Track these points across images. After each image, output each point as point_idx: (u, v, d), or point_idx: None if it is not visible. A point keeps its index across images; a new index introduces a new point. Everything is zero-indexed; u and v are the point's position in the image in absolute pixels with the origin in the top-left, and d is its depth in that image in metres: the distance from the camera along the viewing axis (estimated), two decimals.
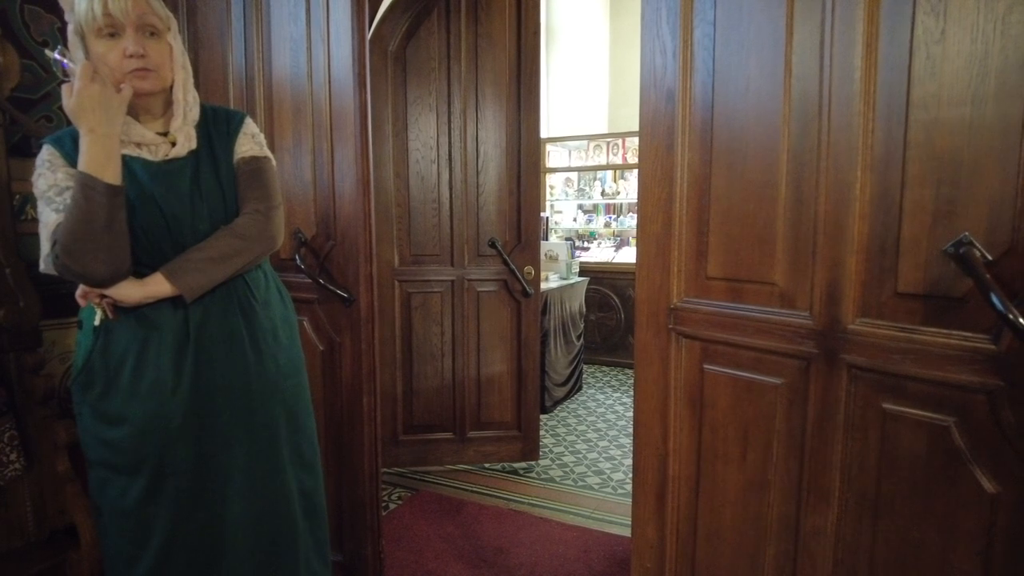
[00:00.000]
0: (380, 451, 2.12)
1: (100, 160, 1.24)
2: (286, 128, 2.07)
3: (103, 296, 1.32)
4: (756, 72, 1.29)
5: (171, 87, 1.38)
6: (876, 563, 1.19)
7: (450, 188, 3.21)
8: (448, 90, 3.16)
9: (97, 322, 1.35)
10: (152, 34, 1.32)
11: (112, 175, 1.25)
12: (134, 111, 1.35)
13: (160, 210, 1.35)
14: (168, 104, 1.40)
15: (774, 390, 1.30)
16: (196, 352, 1.37)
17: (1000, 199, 1.00)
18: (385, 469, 3.25)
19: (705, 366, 1.42)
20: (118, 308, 1.34)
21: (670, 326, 1.46)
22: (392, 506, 2.93)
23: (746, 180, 1.31)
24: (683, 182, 1.42)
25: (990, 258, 1.01)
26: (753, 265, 1.31)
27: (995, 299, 0.96)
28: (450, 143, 3.20)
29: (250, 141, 1.50)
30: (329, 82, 1.95)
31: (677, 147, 1.41)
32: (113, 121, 1.26)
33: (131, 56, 1.28)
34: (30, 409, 1.86)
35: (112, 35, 1.28)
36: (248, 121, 1.52)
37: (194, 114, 1.43)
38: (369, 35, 3.01)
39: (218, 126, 1.47)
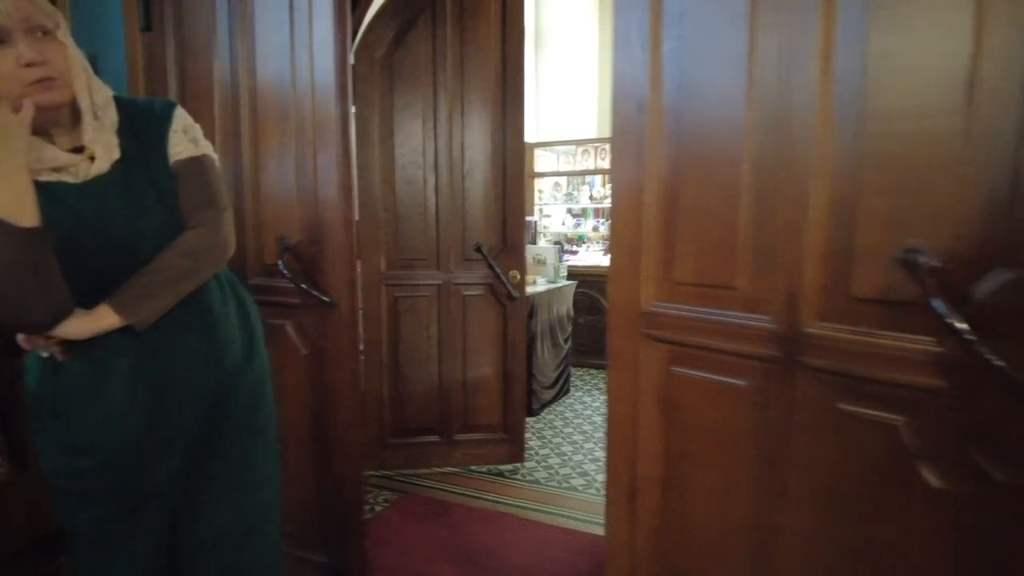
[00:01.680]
0: (364, 454, 2.16)
1: (8, 200, 1.07)
2: (271, 134, 2.10)
3: (48, 338, 1.21)
4: (721, 84, 1.33)
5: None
6: (834, 559, 1.23)
7: (436, 193, 3.25)
8: (434, 97, 3.21)
9: (45, 354, 1.26)
10: (44, 34, 1.14)
11: (28, 216, 1.08)
12: (42, 128, 1.17)
13: (96, 235, 1.21)
14: (77, 112, 1.21)
15: (739, 392, 1.34)
16: (152, 374, 1.28)
17: (946, 209, 1.05)
18: (373, 472, 3.28)
19: (673, 369, 1.46)
20: (68, 345, 1.23)
21: (641, 330, 1.50)
22: (379, 509, 2.96)
23: (712, 189, 1.36)
24: (653, 191, 1.46)
25: (937, 265, 1.05)
26: (718, 271, 1.36)
27: (936, 304, 1.00)
28: (436, 149, 3.24)
29: (183, 140, 1.33)
30: (312, 90, 1.99)
31: (647, 157, 1.46)
32: (16, 150, 1.09)
33: (29, 64, 1.10)
34: (17, 414, 1.88)
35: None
36: (177, 115, 1.34)
37: (111, 116, 1.25)
38: (356, 43, 3.07)
39: (144, 126, 1.30)
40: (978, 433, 1.03)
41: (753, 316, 1.31)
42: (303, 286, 2.02)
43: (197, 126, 1.39)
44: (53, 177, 1.19)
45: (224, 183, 1.44)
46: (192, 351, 1.34)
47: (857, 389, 1.17)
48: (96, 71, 1.29)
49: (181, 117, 1.35)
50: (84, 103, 1.20)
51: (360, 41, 3.12)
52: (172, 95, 2.26)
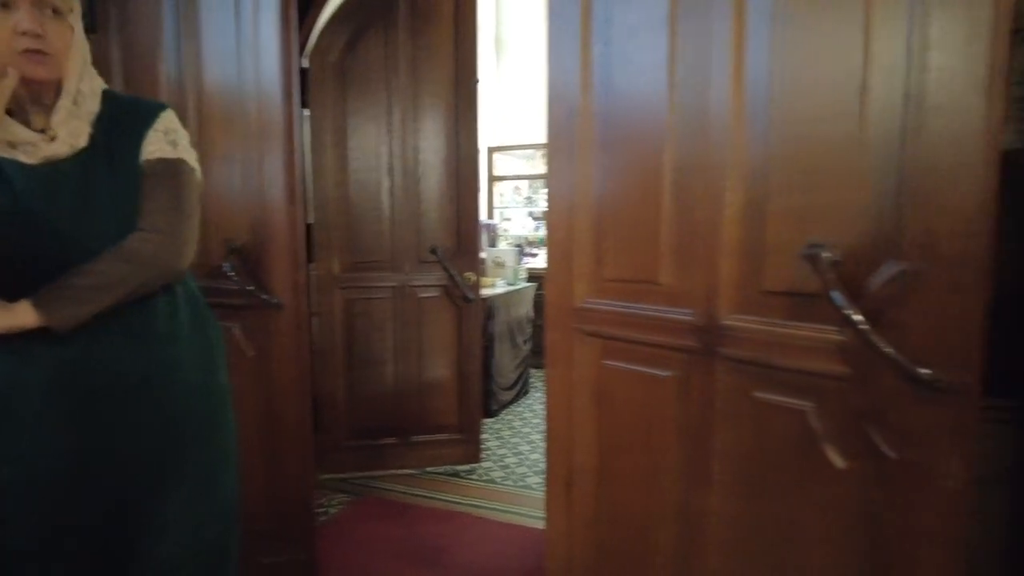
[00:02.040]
0: (313, 454, 2.17)
1: None
2: (218, 138, 2.11)
3: None
4: (644, 89, 1.40)
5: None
6: (753, 538, 1.30)
7: (391, 196, 3.28)
8: (388, 101, 3.23)
9: None
10: (55, 12, 1.12)
11: None
12: (21, 101, 1.14)
13: (33, 224, 1.14)
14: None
15: (664, 382, 1.41)
16: (72, 392, 1.18)
17: (844, 207, 1.13)
18: (329, 475, 3.27)
19: (605, 361, 1.52)
20: None
21: (574, 325, 1.56)
22: (333, 511, 2.96)
23: (637, 189, 1.42)
24: (584, 192, 1.52)
25: (837, 259, 1.13)
26: (643, 267, 1.42)
27: (835, 296, 1.08)
28: (391, 152, 3.26)
29: (161, 139, 1.25)
30: (258, 93, 2.01)
31: (578, 159, 1.52)
32: None
33: (24, 33, 1.08)
34: None
35: (3, 5, 1.08)
36: (165, 115, 1.28)
37: (91, 106, 1.20)
38: (310, 47, 3.09)
39: (125, 122, 1.24)
40: (874, 415, 1.11)
41: (675, 310, 1.37)
42: (249, 288, 2.02)
43: (184, 132, 1.32)
44: (7, 152, 1.14)
45: (197, 195, 1.32)
46: (124, 372, 1.22)
47: (770, 377, 1.24)
48: None
49: (167, 119, 1.28)
50: (68, 86, 1.16)
51: (313, 46, 3.13)
52: None
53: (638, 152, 1.42)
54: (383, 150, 3.26)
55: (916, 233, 1.03)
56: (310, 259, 3.11)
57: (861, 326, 1.05)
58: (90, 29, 2.25)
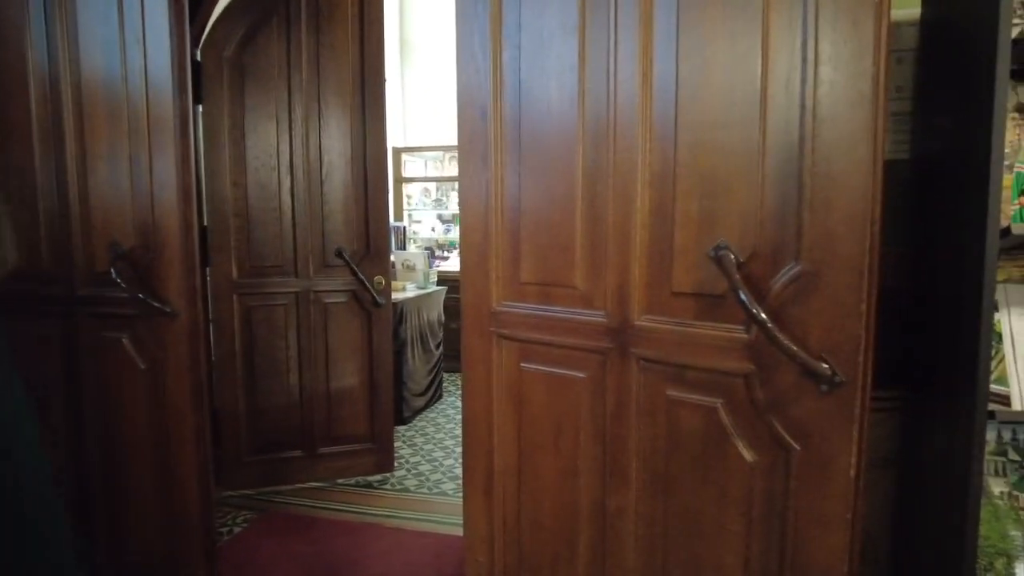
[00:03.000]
0: (212, 472, 2.03)
1: None
2: (100, 134, 1.94)
3: None
4: (557, 95, 1.41)
5: None
6: (668, 534, 1.33)
7: (292, 196, 3.14)
8: (289, 98, 3.10)
9: None
10: None
11: None
12: None
13: None
14: None
15: (579, 383, 1.42)
16: None
17: (748, 210, 1.18)
18: (230, 492, 3.09)
19: (522, 364, 1.52)
20: None
21: (491, 329, 1.54)
22: (236, 530, 2.79)
23: (551, 193, 1.43)
24: (498, 195, 1.51)
25: (742, 260, 1.18)
26: (558, 270, 1.43)
27: (741, 295, 1.13)
28: (292, 151, 3.12)
29: None
30: (146, 86, 1.86)
31: (492, 161, 1.51)
32: None
33: None
34: None
35: None
36: None
37: None
38: (202, 40, 2.90)
39: None
40: (778, 409, 1.16)
41: (589, 312, 1.39)
42: (140, 296, 1.87)
43: None
44: None
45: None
46: None
47: (681, 376, 1.28)
48: None
49: None
50: None
51: (206, 38, 2.95)
52: None
53: (551, 156, 1.42)
54: (284, 148, 3.11)
55: (814, 236, 1.10)
56: (205, 264, 2.92)
57: (767, 324, 1.11)
58: None
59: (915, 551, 1.54)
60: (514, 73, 1.46)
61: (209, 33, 2.95)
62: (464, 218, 1.57)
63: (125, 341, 1.97)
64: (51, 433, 2.08)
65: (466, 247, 1.57)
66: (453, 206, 6.38)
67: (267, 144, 3.08)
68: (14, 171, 2.02)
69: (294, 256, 3.15)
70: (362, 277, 3.20)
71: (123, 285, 1.87)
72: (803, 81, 1.09)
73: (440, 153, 6.26)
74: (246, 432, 3.16)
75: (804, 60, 1.08)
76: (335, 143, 3.18)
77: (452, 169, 6.22)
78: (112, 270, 1.88)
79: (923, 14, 1.57)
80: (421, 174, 6.40)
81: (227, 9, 2.98)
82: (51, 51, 1.93)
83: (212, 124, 2.97)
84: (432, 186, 6.43)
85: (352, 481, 3.32)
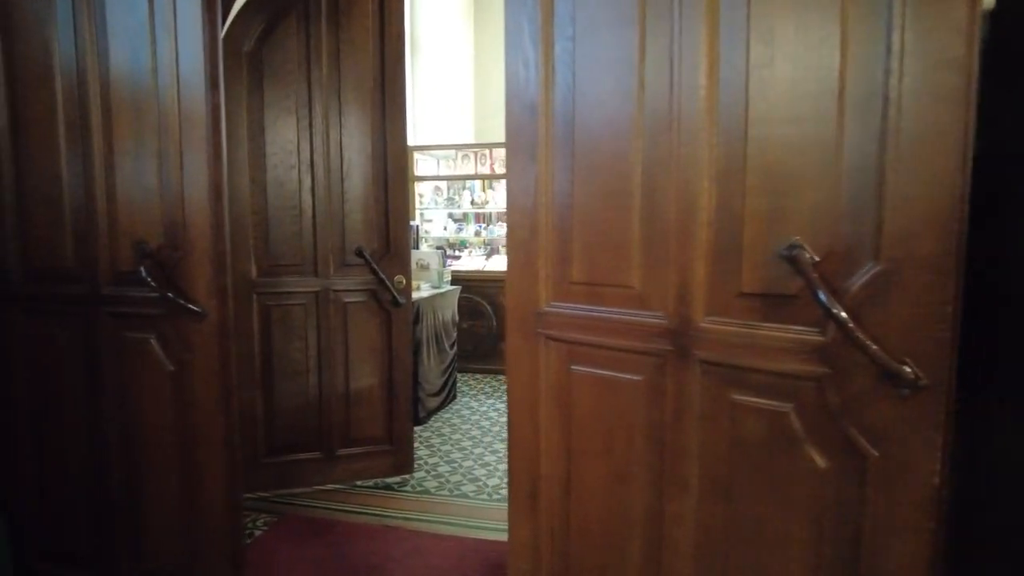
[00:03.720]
0: (240, 476, 1.98)
1: None
2: (126, 130, 1.89)
3: None
4: (612, 88, 1.36)
5: None
6: (730, 542, 1.29)
7: (312, 195, 3.09)
8: (309, 94, 3.05)
9: None
10: None
11: None
12: None
13: None
14: None
15: (634, 386, 1.37)
16: None
17: (821, 208, 1.13)
18: (247, 495, 3.04)
19: (571, 367, 1.47)
20: None
21: (538, 330, 1.50)
22: (256, 533, 2.75)
23: (604, 190, 1.38)
24: (547, 191, 1.46)
25: (816, 259, 1.13)
26: (612, 270, 1.38)
27: (820, 295, 1.08)
28: (312, 148, 3.08)
29: None
30: (177, 80, 1.81)
31: (540, 158, 1.46)
32: None
33: None
34: None
35: None
36: None
37: None
38: (222, 35, 2.85)
39: None
40: (852, 414, 1.12)
41: (646, 313, 1.35)
42: (170, 295, 1.82)
43: None
44: None
45: None
46: None
47: (746, 379, 1.23)
48: None
49: None
50: None
51: (224, 32, 2.89)
52: None
53: (605, 151, 1.38)
54: (304, 146, 3.06)
55: (895, 234, 1.05)
56: None
57: (847, 324, 1.06)
58: None
59: (978, 554, 1.49)
60: (566, 66, 1.42)
61: (228, 28, 2.89)
62: (510, 216, 1.52)
63: (153, 342, 1.91)
64: (71, 433, 2.03)
65: (512, 246, 1.53)
66: (465, 204, 6.33)
67: (286, 141, 3.04)
68: (37, 167, 1.97)
69: (313, 255, 3.10)
70: (382, 276, 3.15)
71: (152, 284, 1.82)
72: (886, 72, 1.04)
73: (452, 151, 6.21)
74: (263, 433, 3.11)
75: (888, 50, 1.03)
76: (354, 140, 3.13)
77: (464, 167, 6.17)
78: (141, 269, 1.83)
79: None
80: (432, 172, 6.35)
81: (246, 4, 2.92)
82: (78, 42, 1.87)
83: (231, 121, 2.91)
84: (443, 184, 6.38)
85: (371, 483, 3.27)
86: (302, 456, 3.19)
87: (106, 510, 2.03)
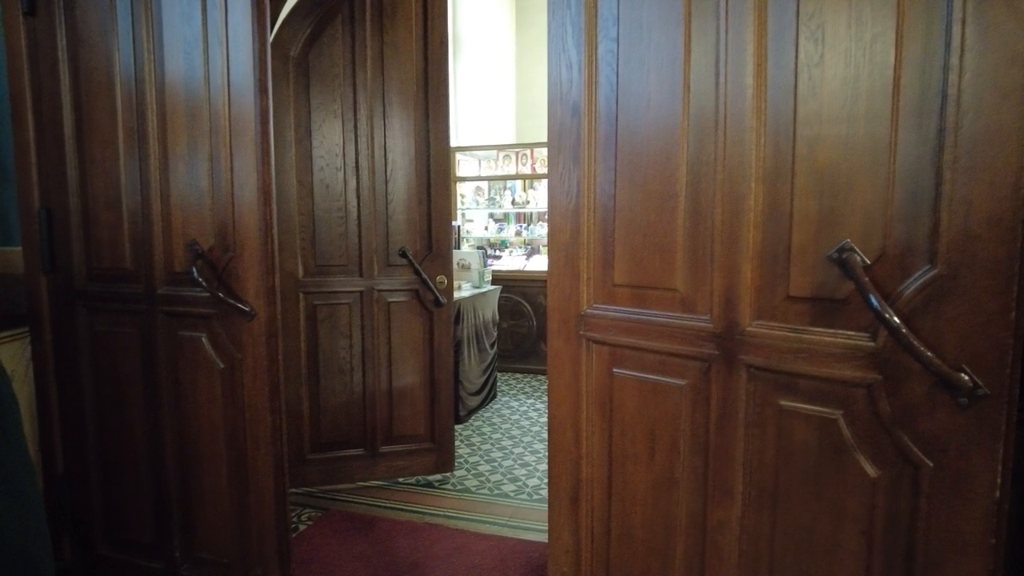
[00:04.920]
0: (286, 472, 2.03)
1: None
2: (180, 133, 1.95)
3: None
4: (657, 88, 1.34)
5: None
6: (776, 550, 1.26)
7: (357, 196, 3.15)
8: (354, 97, 3.10)
9: None
10: None
11: None
12: None
13: None
14: None
15: (678, 391, 1.36)
16: None
17: (873, 209, 1.10)
18: (293, 489, 3.12)
19: (614, 370, 1.46)
20: None
21: (580, 332, 1.49)
22: (301, 527, 2.81)
23: (648, 191, 1.37)
24: (590, 193, 1.46)
25: (868, 262, 1.10)
26: (656, 272, 1.37)
27: (873, 300, 1.05)
28: (357, 151, 3.13)
29: None
30: (228, 87, 1.86)
31: (583, 159, 1.45)
32: None
33: None
34: None
35: None
36: None
37: None
38: (270, 40, 2.92)
39: None
40: (905, 423, 1.08)
41: (691, 316, 1.33)
42: (220, 295, 1.88)
43: None
44: None
45: None
46: None
47: (794, 385, 1.20)
48: None
49: None
50: None
51: (273, 38, 2.97)
52: (64, 89, 2.06)
53: (650, 153, 1.36)
54: (349, 148, 3.12)
55: (953, 237, 1.01)
56: None
57: (901, 330, 1.03)
58: (28, 11, 2.07)
59: None
60: (609, 67, 1.41)
61: (276, 33, 2.97)
62: (552, 218, 1.52)
63: (204, 340, 1.98)
64: (130, 427, 2.12)
65: (553, 247, 1.52)
66: (506, 205, 6.35)
67: (332, 144, 3.10)
68: (99, 171, 2.05)
69: (359, 255, 3.16)
70: (425, 277, 3.19)
71: (204, 284, 1.88)
72: (945, 69, 1.00)
73: (493, 152, 6.24)
74: (309, 430, 3.18)
75: (947, 46, 0.99)
76: (398, 142, 3.18)
77: (505, 168, 6.19)
78: (193, 269, 1.89)
79: None
80: (474, 173, 6.39)
81: (293, 10, 2.99)
82: (136, 52, 1.95)
83: (277, 123, 2.99)
84: (484, 185, 6.41)
85: (412, 480, 3.32)
86: (346, 453, 3.25)
87: (162, 501, 2.11)
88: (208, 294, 1.90)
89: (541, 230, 6.20)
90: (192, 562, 2.11)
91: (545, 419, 4.28)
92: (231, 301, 1.88)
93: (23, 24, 2.06)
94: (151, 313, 2.05)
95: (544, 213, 6.23)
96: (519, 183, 6.32)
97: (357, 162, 3.14)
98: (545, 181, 6.12)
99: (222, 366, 1.97)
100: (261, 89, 1.82)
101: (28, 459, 1.33)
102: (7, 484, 1.26)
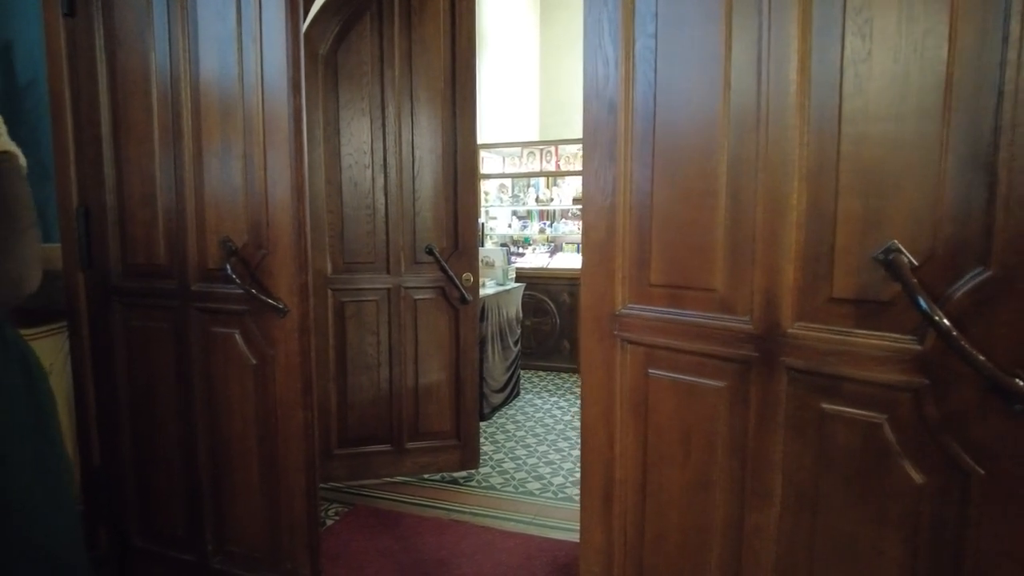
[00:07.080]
0: (317, 467, 2.05)
1: None
2: (214, 132, 1.97)
3: None
4: (696, 85, 1.32)
5: None
6: (815, 557, 1.24)
7: (385, 194, 3.16)
8: (382, 95, 3.11)
9: None
10: None
11: None
12: None
13: None
14: None
15: (716, 393, 1.34)
16: None
17: (921, 209, 1.07)
18: (320, 484, 3.14)
19: (649, 371, 1.44)
20: None
21: (614, 332, 1.48)
22: (328, 522, 2.84)
23: (686, 190, 1.35)
24: (625, 191, 1.44)
25: (916, 263, 1.07)
26: (694, 272, 1.35)
27: (921, 302, 1.02)
28: (384, 148, 3.14)
29: None
30: (261, 85, 1.88)
31: (619, 156, 1.44)
32: None
33: None
34: None
35: None
36: None
37: None
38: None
39: None
40: (954, 429, 1.05)
41: (730, 317, 1.30)
42: (253, 292, 1.90)
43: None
44: None
45: (29, 197, 1.15)
46: None
47: (837, 388, 1.18)
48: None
49: None
50: None
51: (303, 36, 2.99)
52: (101, 88, 2.09)
53: (688, 150, 1.34)
54: (377, 146, 3.13)
55: (1008, 238, 0.98)
56: None
57: (951, 333, 1.00)
58: (67, 12, 2.11)
59: None
60: (647, 63, 1.39)
61: (305, 31, 2.98)
62: (586, 216, 1.51)
63: (237, 336, 2.00)
64: (164, 421, 2.15)
65: (587, 246, 1.51)
66: (530, 202, 6.34)
67: (360, 141, 3.11)
68: (135, 169, 2.08)
69: (386, 253, 3.18)
70: (451, 274, 3.19)
71: (237, 281, 1.90)
72: (1002, 64, 0.97)
73: (517, 149, 6.22)
74: (336, 425, 3.21)
75: (1005, 39, 0.96)
76: (426, 140, 3.18)
77: (529, 165, 6.17)
78: (227, 266, 1.91)
79: None
80: (497, 170, 6.38)
81: (323, 7, 3.01)
82: (172, 51, 1.97)
83: (307, 121, 3.00)
84: (508, 182, 6.41)
85: (437, 476, 3.33)
86: (373, 448, 3.27)
87: (195, 495, 2.14)
88: (242, 291, 1.91)
89: (564, 227, 6.18)
90: (224, 555, 2.14)
91: (569, 417, 4.27)
92: (264, 298, 1.90)
93: (63, 25, 2.09)
94: (184, 309, 2.07)
95: (567, 210, 6.21)
96: (543, 180, 6.30)
97: (385, 159, 3.15)
98: (569, 179, 6.10)
99: (254, 362, 1.99)
100: (294, 86, 1.84)
101: (64, 457, 1.38)
102: (42, 486, 1.30)
